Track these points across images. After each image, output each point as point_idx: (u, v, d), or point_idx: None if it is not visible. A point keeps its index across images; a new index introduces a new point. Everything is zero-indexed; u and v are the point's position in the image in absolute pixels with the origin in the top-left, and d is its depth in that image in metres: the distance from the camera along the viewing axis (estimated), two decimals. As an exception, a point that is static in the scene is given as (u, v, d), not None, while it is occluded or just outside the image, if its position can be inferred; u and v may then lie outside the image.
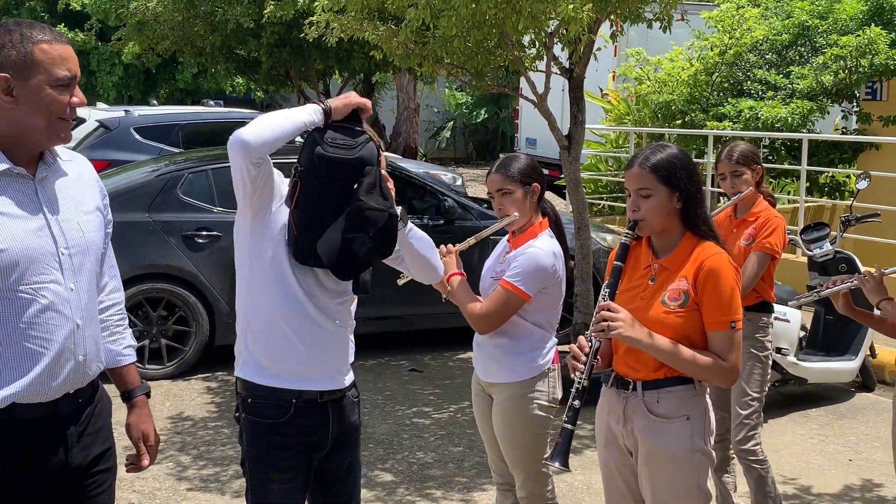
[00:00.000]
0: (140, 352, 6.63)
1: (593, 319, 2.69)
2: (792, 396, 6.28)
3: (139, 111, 12.36)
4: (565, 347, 3.51)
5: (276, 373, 2.73)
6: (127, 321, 2.72)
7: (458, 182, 12.77)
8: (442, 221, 7.21)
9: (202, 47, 8.80)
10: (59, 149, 2.46)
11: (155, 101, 17.29)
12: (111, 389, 2.62)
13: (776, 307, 5.67)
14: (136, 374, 2.69)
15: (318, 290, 2.74)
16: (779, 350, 5.72)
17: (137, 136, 11.12)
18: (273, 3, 7.75)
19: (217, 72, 10.39)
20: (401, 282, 3.47)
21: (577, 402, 2.66)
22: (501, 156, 3.94)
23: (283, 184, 2.72)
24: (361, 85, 10.00)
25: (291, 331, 2.71)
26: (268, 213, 2.68)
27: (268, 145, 2.55)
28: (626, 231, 2.83)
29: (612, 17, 5.70)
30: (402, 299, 6.97)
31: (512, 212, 3.41)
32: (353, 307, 2.89)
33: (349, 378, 2.89)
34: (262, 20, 7.91)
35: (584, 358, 2.69)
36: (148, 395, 2.71)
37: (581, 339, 2.72)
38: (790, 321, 5.82)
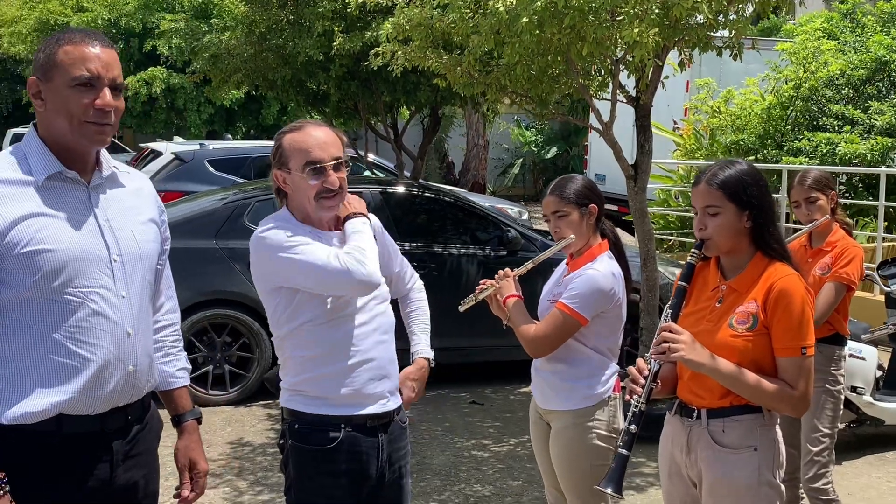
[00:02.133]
0: (204, 377, 6.67)
1: (654, 341, 2.58)
2: (867, 438, 5.99)
3: (213, 144, 12.64)
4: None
5: (323, 402, 2.69)
6: (182, 343, 2.67)
7: (525, 216, 12.71)
8: (505, 252, 7.16)
9: (273, 80, 8.90)
10: (118, 163, 2.47)
11: (229, 136, 17.68)
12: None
13: (852, 344, 5.45)
14: (188, 398, 2.63)
15: (363, 304, 2.72)
16: (854, 389, 5.48)
17: (211, 169, 11.36)
18: (342, 35, 7.82)
19: (293, 107, 10.55)
20: (462, 308, 3.42)
21: (633, 427, 2.54)
22: None
23: None
24: (428, 119, 10.01)
25: (339, 362, 2.67)
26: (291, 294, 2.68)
27: None
28: (693, 250, 2.72)
29: (679, 44, 5.59)
30: (464, 331, 6.92)
31: (568, 234, 3.31)
32: (392, 314, 2.85)
33: (397, 399, 2.82)
34: (331, 53, 7.97)
35: (642, 380, 2.57)
36: (199, 420, 2.65)
37: (640, 361, 2.61)
38: (866, 359, 5.56)
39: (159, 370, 2.54)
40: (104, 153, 2.39)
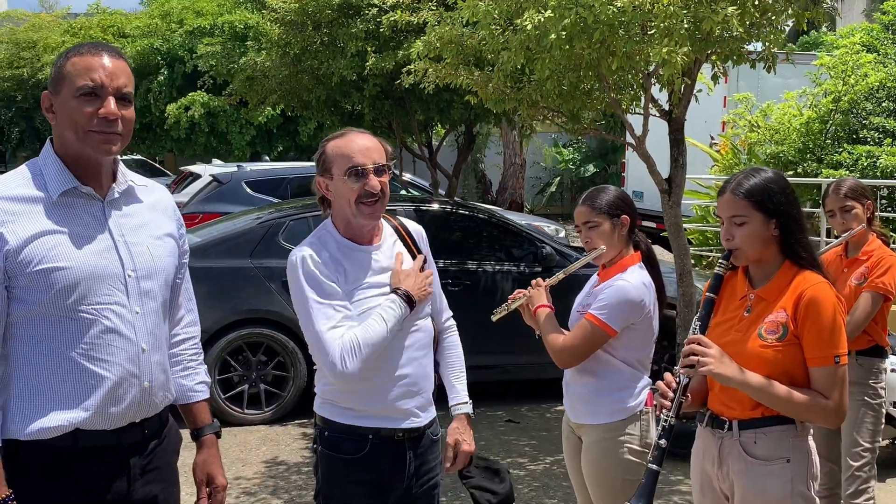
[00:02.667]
0: (239, 396, 6.70)
1: (682, 353, 2.54)
2: (914, 455, 5.85)
3: (251, 166, 12.80)
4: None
5: (353, 413, 2.70)
6: (202, 356, 2.67)
7: (562, 234, 12.67)
8: (539, 268, 7.13)
9: (308, 101, 9.01)
10: (136, 176, 2.47)
11: (267, 158, 17.86)
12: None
13: (894, 358, 5.33)
14: (207, 412, 2.62)
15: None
16: (897, 404, 5.35)
17: (248, 190, 11.49)
18: (375, 55, 7.89)
19: (328, 125, 10.71)
20: (495, 317, 3.42)
21: (663, 442, 2.50)
22: None
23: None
24: (463, 136, 10.04)
25: (372, 378, 2.67)
26: None
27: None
28: (720, 261, 2.68)
29: (712, 58, 5.55)
30: (500, 349, 6.90)
31: (599, 245, 3.29)
32: (431, 330, 2.84)
33: (429, 415, 2.81)
34: (364, 73, 8.04)
35: (671, 394, 2.53)
36: (218, 434, 2.64)
37: (668, 374, 2.57)
38: (910, 373, 5.43)
39: (178, 384, 2.53)
40: (122, 168, 2.39)
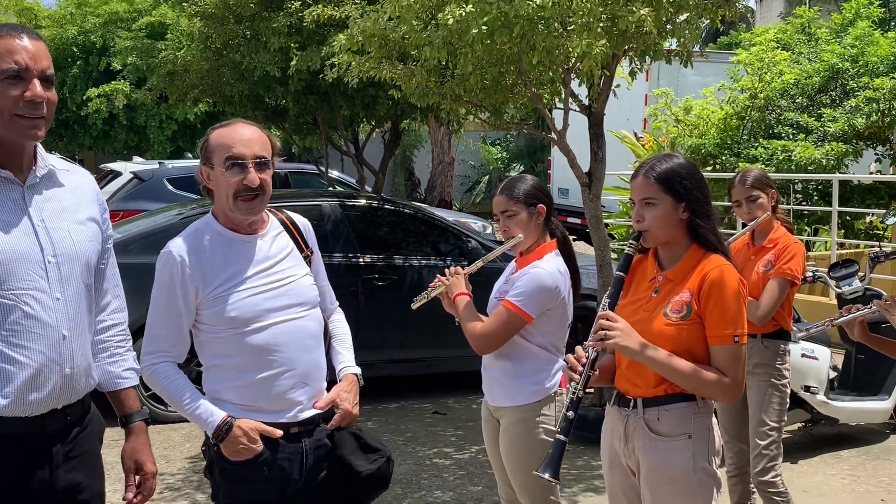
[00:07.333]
0: (163, 394, 6.61)
1: (592, 329, 2.62)
2: (823, 438, 6.07)
3: (172, 163, 12.61)
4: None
5: (246, 409, 2.65)
6: (130, 343, 2.61)
7: (489, 230, 12.79)
8: (466, 263, 7.18)
9: (231, 96, 8.92)
10: (56, 159, 2.42)
11: (190, 154, 17.60)
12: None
13: (804, 344, 5.54)
14: (135, 399, 2.57)
15: (286, 311, 2.70)
16: (808, 388, 5.56)
17: (170, 187, 11.33)
18: (298, 53, 7.84)
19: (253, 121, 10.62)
20: (415, 305, 3.46)
21: (570, 413, 2.58)
22: None
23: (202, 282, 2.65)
24: (389, 133, 10.06)
25: (262, 370, 2.64)
26: (206, 307, 2.65)
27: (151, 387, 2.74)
28: (630, 241, 2.77)
29: (629, 53, 5.68)
30: (426, 342, 6.96)
31: (517, 233, 3.36)
32: (321, 320, 2.84)
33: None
34: (288, 70, 7.99)
35: (580, 368, 2.61)
36: (148, 422, 2.61)
37: (579, 349, 2.65)
38: (819, 359, 5.65)
39: (105, 371, 2.50)
40: (41, 151, 2.35)
